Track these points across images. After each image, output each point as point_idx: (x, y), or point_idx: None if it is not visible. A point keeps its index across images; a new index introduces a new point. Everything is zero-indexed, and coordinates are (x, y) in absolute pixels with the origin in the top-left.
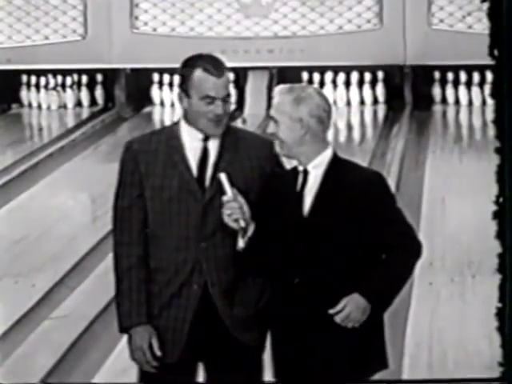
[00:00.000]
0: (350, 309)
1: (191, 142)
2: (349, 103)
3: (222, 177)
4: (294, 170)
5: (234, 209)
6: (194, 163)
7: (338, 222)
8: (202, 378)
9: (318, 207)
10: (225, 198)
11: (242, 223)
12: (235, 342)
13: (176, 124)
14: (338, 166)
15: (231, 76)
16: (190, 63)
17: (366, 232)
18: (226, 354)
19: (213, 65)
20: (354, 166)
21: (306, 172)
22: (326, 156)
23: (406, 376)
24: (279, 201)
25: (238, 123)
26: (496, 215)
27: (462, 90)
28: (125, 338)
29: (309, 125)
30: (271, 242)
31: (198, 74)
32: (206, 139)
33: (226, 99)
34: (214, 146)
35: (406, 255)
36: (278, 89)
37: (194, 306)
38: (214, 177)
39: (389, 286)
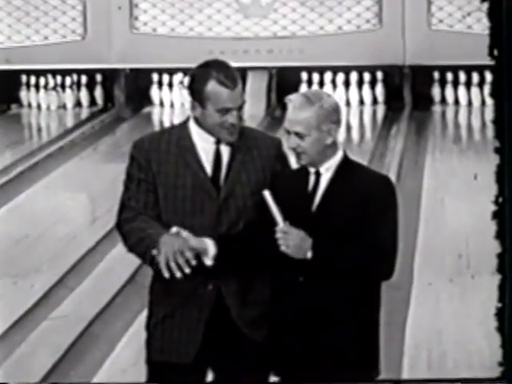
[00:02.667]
0: (296, 234)
1: (202, 143)
2: (348, 103)
3: (267, 195)
4: (303, 170)
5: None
6: (206, 163)
7: (343, 222)
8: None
9: (326, 207)
10: (281, 228)
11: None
12: (246, 342)
13: (185, 124)
14: (347, 167)
15: (240, 81)
16: (203, 74)
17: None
18: (236, 353)
19: (226, 76)
20: (363, 169)
21: (318, 174)
22: (337, 158)
23: (405, 376)
24: (288, 200)
25: None
26: (495, 215)
27: (462, 90)
28: (124, 338)
29: (335, 131)
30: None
31: (213, 86)
32: (218, 142)
33: (240, 108)
34: (225, 146)
35: (372, 263)
36: (296, 102)
37: (208, 306)
38: (228, 176)
39: (336, 262)
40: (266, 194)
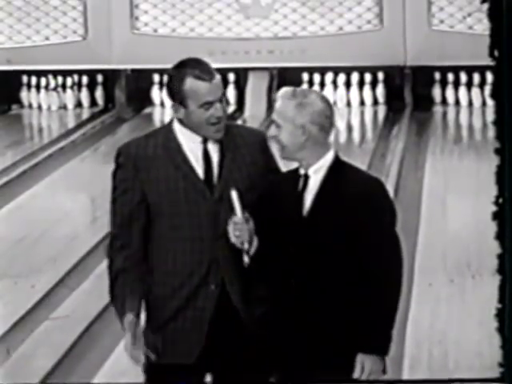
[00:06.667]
0: (368, 369)
1: (188, 143)
2: (349, 104)
3: (234, 194)
4: (296, 172)
5: (244, 231)
6: (196, 164)
7: (335, 224)
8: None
9: (316, 209)
10: (235, 220)
11: (246, 246)
12: (250, 340)
13: (169, 126)
14: (338, 169)
15: (221, 77)
16: (178, 74)
17: (354, 236)
18: (240, 352)
19: (202, 70)
20: (354, 170)
21: (306, 176)
22: (326, 160)
23: (406, 376)
24: (280, 203)
25: None
26: (495, 216)
27: (462, 90)
28: (125, 339)
29: (310, 131)
30: (270, 244)
31: (190, 83)
32: (205, 141)
33: (221, 99)
34: (213, 145)
35: (387, 285)
36: (281, 93)
37: (211, 306)
38: (221, 175)
39: (385, 326)
40: (233, 193)
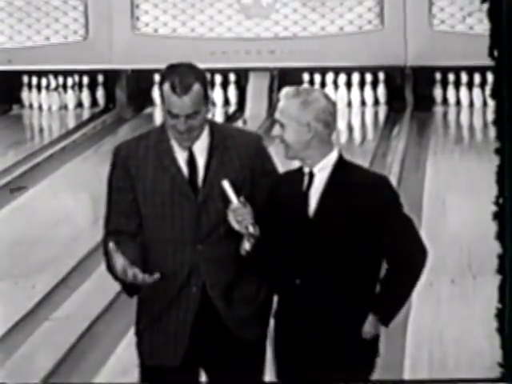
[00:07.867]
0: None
1: (177, 145)
2: (350, 104)
3: (225, 184)
4: (300, 171)
5: (245, 215)
6: (184, 166)
7: (341, 224)
8: (203, 379)
9: (323, 209)
10: (233, 206)
11: (251, 229)
12: (237, 342)
13: (162, 127)
14: (343, 168)
15: (199, 90)
16: (165, 74)
17: (368, 234)
18: (228, 354)
19: (179, 81)
20: (359, 169)
21: (311, 174)
22: (331, 158)
23: (407, 376)
24: (285, 201)
25: (239, 124)
26: (496, 216)
27: (463, 91)
28: (126, 339)
29: (316, 129)
30: (275, 243)
31: (165, 88)
32: None
33: (191, 116)
34: (202, 147)
35: (410, 266)
36: (284, 92)
37: (194, 308)
38: (206, 178)
39: (397, 302)
40: (225, 183)
